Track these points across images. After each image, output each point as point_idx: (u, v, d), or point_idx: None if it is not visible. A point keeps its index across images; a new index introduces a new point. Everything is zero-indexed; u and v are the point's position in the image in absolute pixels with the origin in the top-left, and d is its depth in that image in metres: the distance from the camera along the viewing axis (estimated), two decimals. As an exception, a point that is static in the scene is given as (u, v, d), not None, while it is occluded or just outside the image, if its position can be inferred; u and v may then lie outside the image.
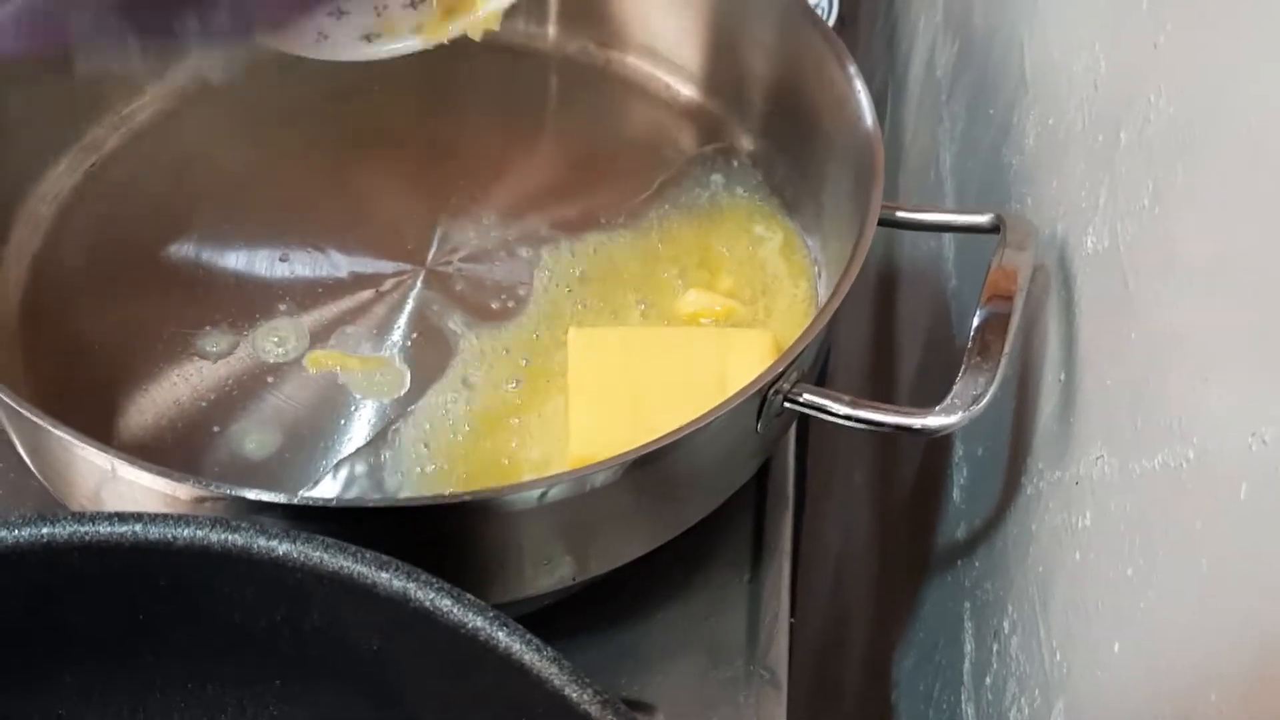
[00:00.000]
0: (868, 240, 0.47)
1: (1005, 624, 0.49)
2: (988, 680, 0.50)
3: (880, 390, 0.79)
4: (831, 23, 0.83)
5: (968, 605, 0.54)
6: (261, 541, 0.36)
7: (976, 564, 0.54)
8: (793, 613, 0.54)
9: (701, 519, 0.49)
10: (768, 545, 0.53)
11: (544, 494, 0.42)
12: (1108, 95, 0.46)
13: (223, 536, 0.36)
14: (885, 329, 0.80)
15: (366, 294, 0.55)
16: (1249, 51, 0.35)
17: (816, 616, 0.88)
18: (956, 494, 0.59)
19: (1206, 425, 0.34)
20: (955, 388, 0.44)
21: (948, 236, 0.66)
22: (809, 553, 0.90)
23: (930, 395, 0.45)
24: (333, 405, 0.51)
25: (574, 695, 0.33)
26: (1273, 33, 0.33)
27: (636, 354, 0.51)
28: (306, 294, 0.55)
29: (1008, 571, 0.50)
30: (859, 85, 0.52)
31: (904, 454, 0.71)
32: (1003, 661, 0.49)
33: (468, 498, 0.42)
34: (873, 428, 0.45)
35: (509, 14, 0.61)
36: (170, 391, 0.51)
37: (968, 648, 0.54)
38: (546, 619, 0.49)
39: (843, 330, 0.92)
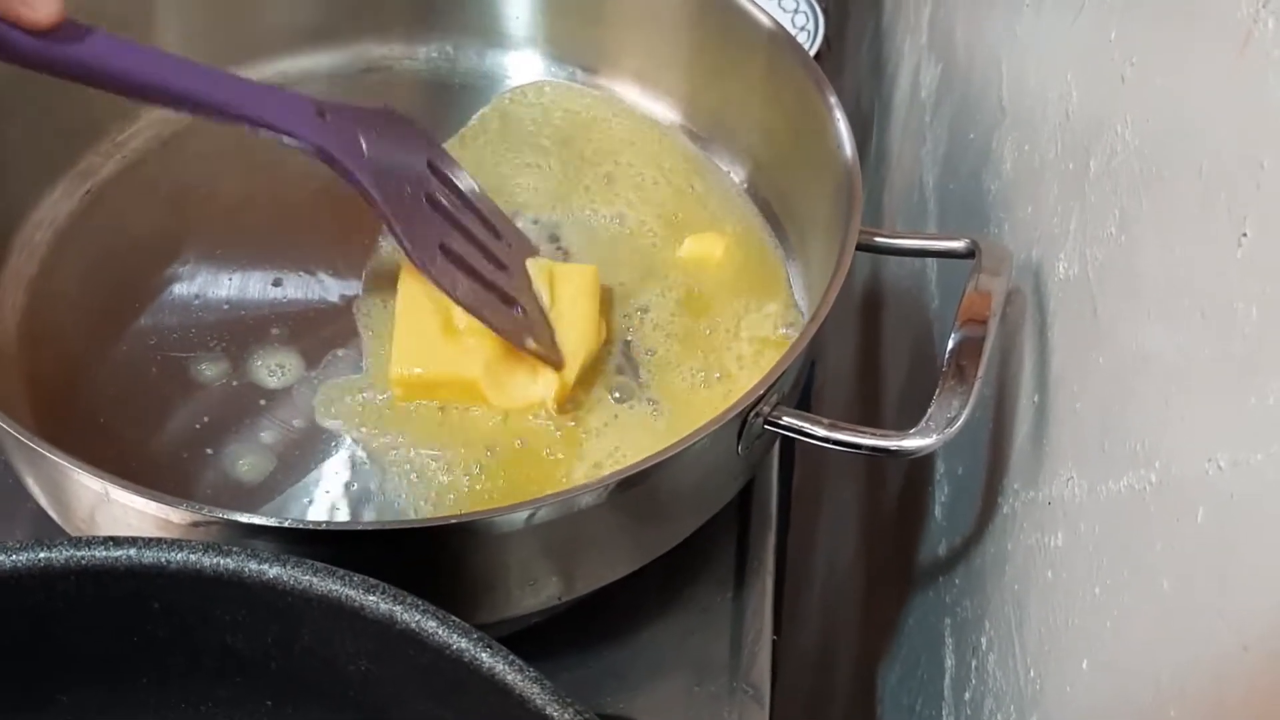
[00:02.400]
0: (845, 267, 0.48)
1: (983, 640, 0.50)
2: (967, 695, 0.51)
3: (866, 409, 0.80)
4: (817, 43, 0.84)
5: (948, 622, 0.55)
6: (252, 565, 0.36)
7: (956, 581, 0.55)
8: (778, 630, 0.55)
9: (685, 538, 0.50)
10: (751, 564, 0.54)
11: (531, 516, 0.43)
12: (1079, 124, 0.47)
13: (215, 561, 0.37)
14: (870, 349, 0.82)
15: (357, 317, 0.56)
16: (1201, 90, 0.36)
17: (806, 632, 0.89)
18: (938, 511, 0.60)
19: (1168, 449, 0.35)
20: (930, 410, 0.45)
21: (930, 259, 0.67)
22: (797, 569, 0.91)
23: (914, 412, 0.46)
24: (325, 429, 0.52)
25: (555, 715, 0.34)
26: (1221, 74, 0.34)
27: None
28: (299, 318, 0.56)
29: (985, 589, 0.51)
30: (839, 115, 0.53)
31: (889, 472, 0.72)
32: (981, 678, 0.50)
33: (455, 521, 0.43)
34: (851, 450, 0.46)
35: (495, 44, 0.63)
36: (165, 415, 0.52)
37: (948, 663, 0.55)
38: (533, 638, 0.50)
39: (829, 349, 0.93)
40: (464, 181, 0.53)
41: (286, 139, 0.48)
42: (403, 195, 0.50)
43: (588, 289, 0.54)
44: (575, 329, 0.53)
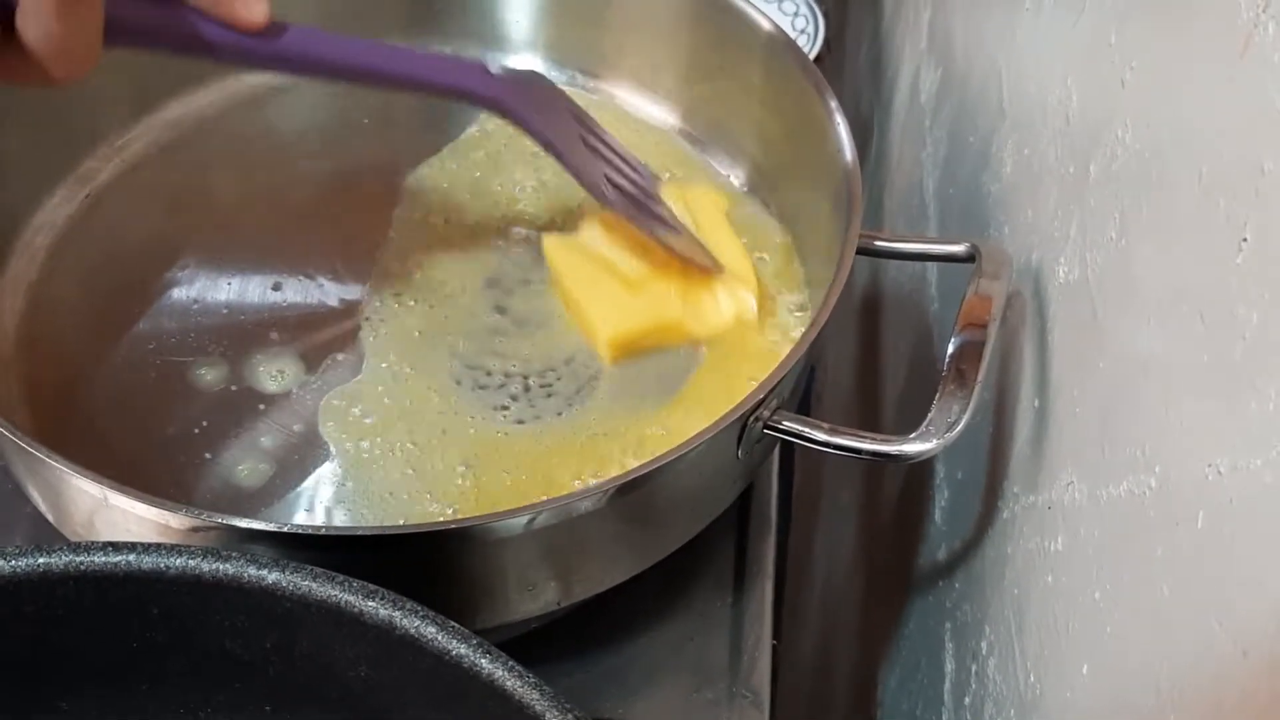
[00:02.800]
0: (845, 272, 0.48)
1: (983, 645, 0.50)
2: (967, 700, 0.51)
3: (866, 412, 0.80)
4: (818, 46, 0.84)
5: (948, 626, 0.55)
6: (251, 571, 0.36)
7: (957, 585, 0.55)
8: (777, 635, 0.55)
9: (685, 543, 0.50)
10: (750, 568, 0.54)
11: (530, 521, 0.43)
12: (1079, 128, 0.47)
13: (214, 566, 0.37)
14: (871, 352, 0.82)
15: (357, 322, 0.56)
16: (1201, 94, 0.36)
17: (806, 637, 0.88)
18: (938, 516, 0.60)
19: (1168, 454, 0.35)
20: (930, 415, 0.45)
21: (930, 263, 0.67)
22: (797, 574, 0.91)
23: (915, 418, 0.46)
24: (321, 433, 0.52)
25: (555, 720, 0.34)
26: (1221, 78, 0.34)
27: (604, 238, 0.56)
28: (298, 322, 0.56)
29: (985, 593, 0.51)
30: (839, 119, 0.53)
31: (889, 476, 0.72)
32: (981, 682, 0.50)
33: (454, 525, 0.43)
34: (851, 454, 0.46)
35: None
36: (164, 419, 0.52)
37: (948, 668, 0.55)
38: (532, 642, 0.50)
39: (830, 353, 0.93)
40: (600, 127, 0.57)
41: (467, 100, 0.52)
42: (571, 139, 0.54)
43: (718, 209, 0.58)
44: (723, 244, 0.56)
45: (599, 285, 0.55)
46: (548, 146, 0.53)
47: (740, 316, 0.55)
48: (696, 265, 0.54)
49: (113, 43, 0.42)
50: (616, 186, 0.54)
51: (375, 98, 0.65)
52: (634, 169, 0.56)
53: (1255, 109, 0.32)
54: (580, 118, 0.56)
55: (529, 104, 0.53)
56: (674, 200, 0.57)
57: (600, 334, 0.54)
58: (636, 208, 0.54)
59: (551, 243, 0.57)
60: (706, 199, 0.58)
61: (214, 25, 0.45)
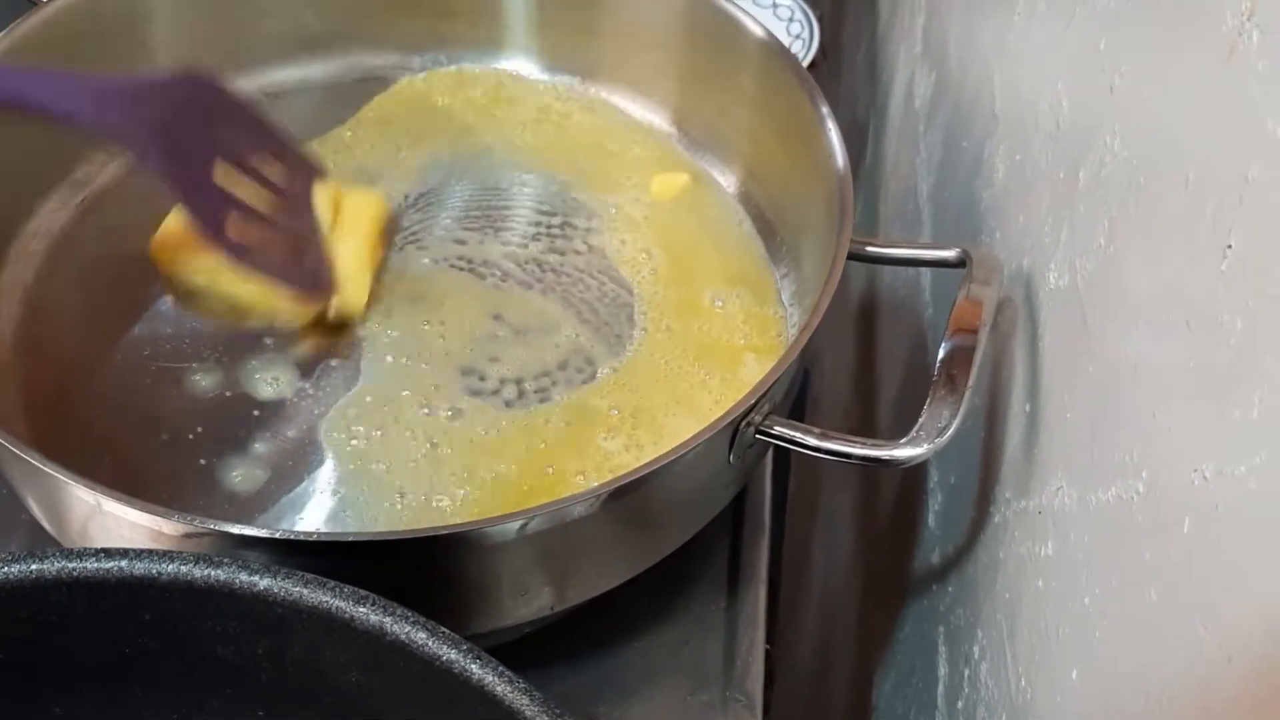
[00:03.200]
0: (836, 278, 0.48)
1: (975, 649, 0.50)
2: (960, 704, 0.51)
3: (863, 417, 0.80)
4: (813, 51, 0.84)
5: (942, 630, 0.55)
6: (243, 577, 0.37)
7: (950, 590, 0.55)
8: (772, 639, 0.55)
9: (678, 547, 0.50)
10: (744, 572, 0.54)
11: (523, 526, 0.43)
12: (1069, 135, 0.47)
13: (205, 572, 0.37)
14: (867, 355, 0.82)
15: (353, 328, 0.56)
16: (1188, 101, 0.36)
17: (802, 641, 0.89)
18: (931, 520, 0.60)
19: (1155, 460, 0.36)
20: (921, 420, 0.45)
21: (922, 267, 0.67)
22: (795, 578, 0.91)
23: (911, 422, 0.46)
24: (316, 439, 0.52)
25: (545, 725, 0.34)
26: (1207, 86, 0.34)
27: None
28: (293, 329, 0.56)
29: (978, 598, 0.51)
30: (831, 125, 0.53)
31: (883, 480, 0.72)
32: (973, 686, 0.50)
33: (447, 531, 0.43)
34: (842, 459, 0.46)
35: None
36: (158, 425, 0.52)
37: (942, 671, 0.55)
38: (526, 647, 0.50)
39: (825, 358, 0.94)
40: (249, 113, 0.54)
41: (71, 126, 0.47)
42: (192, 167, 0.50)
43: (371, 214, 0.57)
44: (350, 254, 0.56)
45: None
46: (164, 183, 0.49)
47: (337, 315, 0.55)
48: (303, 296, 0.54)
49: None
50: (240, 218, 0.51)
51: (368, 103, 0.65)
52: (280, 159, 0.54)
53: (1240, 116, 0.33)
54: (233, 123, 0.52)
55: (152, 132, 0.48)
56: (325, 200, 0.56)
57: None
58: (256, 236, 0.52)
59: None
60: (362, 204, 0.57)
61: None
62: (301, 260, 0.54)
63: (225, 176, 0.52)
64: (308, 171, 0.57)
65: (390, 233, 0.59)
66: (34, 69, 0.50)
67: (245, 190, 0.52)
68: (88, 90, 0.46)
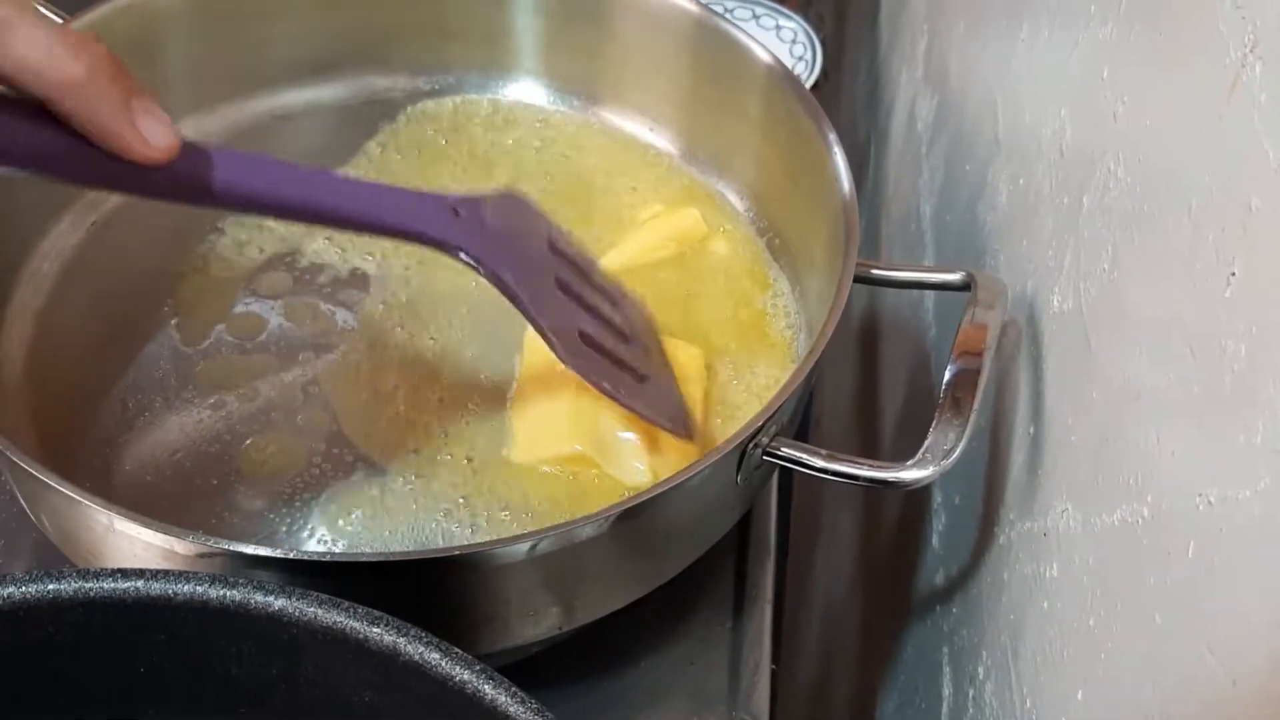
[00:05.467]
0: (843, 301, 0.48)
1: (980, 670, 0.50)
2: (964, 725, 0.52)
3: (864, 438, 0.81)
4: (815, 75, 0.85)
5: (946, 651, 0.56)
6: (258, 597, 0.37)
7: (954, 610, 0.56)
8: (777, 659, 0.55)
9: (685, 568, 0.50)
10: (750, 593, 0.55)
11: (532, 548, 0.43)
12: (1073, 160, 0.48)
13: (220, 592, 0.37)
14: (869, 377, 0.82)
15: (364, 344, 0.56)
16: (1190, 130, 0.37)
17: (804, 661, 0.89)
18: (935, 541, 0.60)
19: (1160, 484, 0.36)
20: (927, 442, 0.46)
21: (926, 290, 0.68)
22: (796, 598, 0.91)
23: (913, 442, 0.46)
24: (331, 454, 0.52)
25: (557, 746, 0.34)
26: (1209, 116, 0.35)
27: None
28: (587, 323, 0.55)
29: (982, 619, 0.51)
30: (837, 150, 0.54)
31: (886, 501, 0.73)
32: (978, 707, 0.50)
33: (457, 552, 0.43)
34: (848, 480, 0.46)
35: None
36: (170, 445, 0.53)
37: (946, 692, 0.55)
38: (534, 667, 0.50)
39: (827, 379, 0.94)
40: (581, 257, 0.52)
41: (426, 244, 0.46)
42: (541, 287, 0.48)
43: (694, 372, 0.54)
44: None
45: (542, 394, 0.52)
46: (514, 300, 0.47)
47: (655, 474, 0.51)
48: (660, 427, 0.50)
49: None
50: (590, 340, 0.49)
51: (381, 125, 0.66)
52: (613, 303, 0.51)
53: (1243, 147, 0.33)
54: (556, 246, 0.50)
55: (496, 248, 0.47)
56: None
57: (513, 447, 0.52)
58: (605, 366, 0.49)
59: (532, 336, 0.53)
60: (684, 354, 0.54)
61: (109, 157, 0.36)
62: (663, 398, 0.51)
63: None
64: (641, 311, 0.53)
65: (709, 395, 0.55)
66: (383, 187, 0.48)
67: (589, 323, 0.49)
68: (434, 211, 0.46)
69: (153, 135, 0.36)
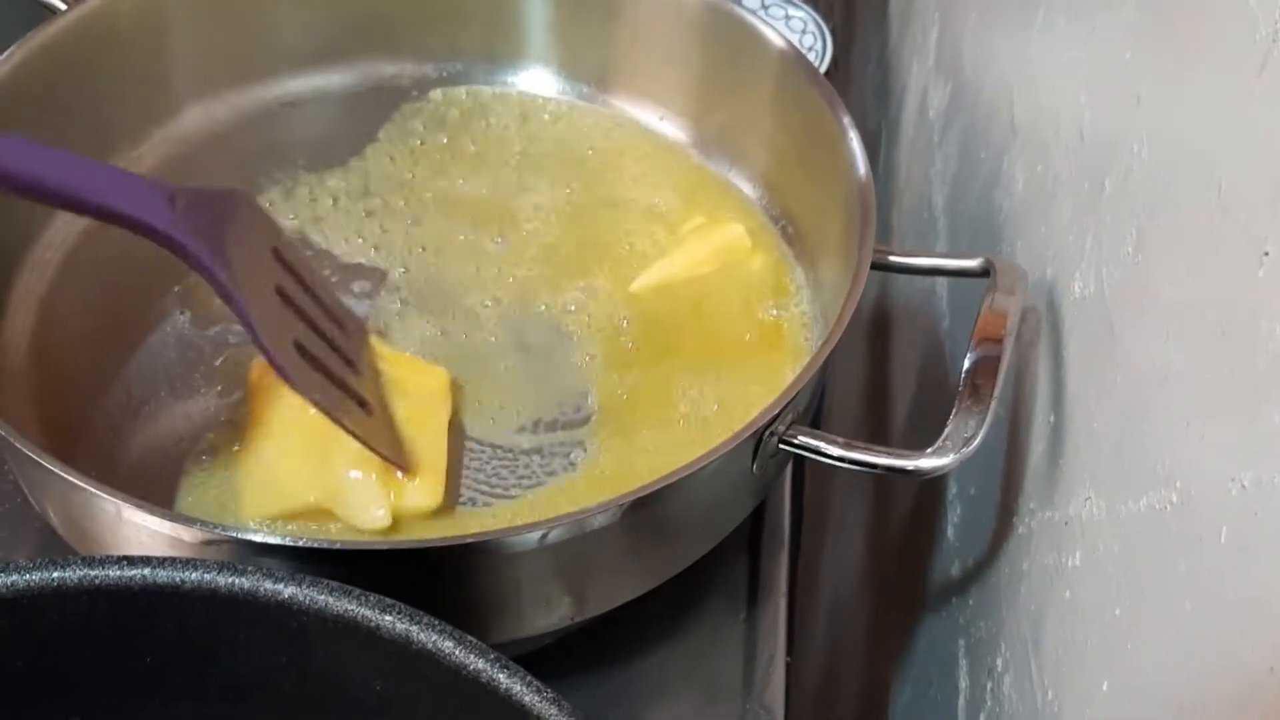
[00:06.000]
0: (860, 288, 0.48)
1: (999, 662, 0.50)
2: (982, 717, 0.51)
3: (875, 427, 0.80)
4: (825, 63, 0.84)
5: (962, 642, 0.55)
6: (268, 585, 0.36)
7: (970, 601, 0.55)
8: (790, 651, 0.55)
9: (698, 559, 0.49)
10: (764, 584, 0.54)
11: (544, 536, 0.43)
12: (1093, 144, 0.47)
13: (230, 580, 0.36)
14: (880, 366, 0.81)
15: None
16: (1218, 112, 0.36)
17: (813, 653, 0.88)
18: (950, 531, 0.59)
19: (1189, 469, 0.35)
20: (947, 430, 0.45)
21: (940, 277, 0.67)
22: (805, 589, 0.90)
23: (924, 432, 0.46)
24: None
25: (573, 736, 0.34)
26: (1238, 97, 0.34)
27: None
28: (304, 336, 0.55)
29: (1000, 609, 0.50)
30: (852, 135, 0.53)
31: (899, 491, 0.72)
32: (996, 699, 0.49)
33: (469, 540, 0.42)
34: (866, 469, 0.46)
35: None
36: (175, 432, 0.52)
37: (962, 685, 0.54)
38: (545, 658, 0.49)
39: (838, 367, 0.93)
40: (309, 271, 0.49)
41: (139, 231, 0.44)
42: (258, 291, 0.45)
43: (438, 395, 0.52)
44: (425, 434, 0.50)
45: (267, 442, 0.49)
46: (227, 299, 0.44)
47: (396, 514, 0.48)
48: (379, 455, 0.47)
49: None
50: (306, 353, 0.46)
51: (390, 112, 0.65)
52: (336, 323, 0.49)
53: (1274, 125, 0.32)
54: (284, 257, 0.48)
55: (211, 243, 0.44)
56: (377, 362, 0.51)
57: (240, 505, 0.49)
58: (324, 384, 0.47)
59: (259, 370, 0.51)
60: (429, 375, 0.52)
61: None
62: (386, 429, 0.49)
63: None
64: (360, 332, 0.52)
65: (458, 418, 0.52)
66: (102, 165, 0.46)
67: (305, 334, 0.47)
68: (150, 197, 0.44)
69: None
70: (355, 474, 0.48)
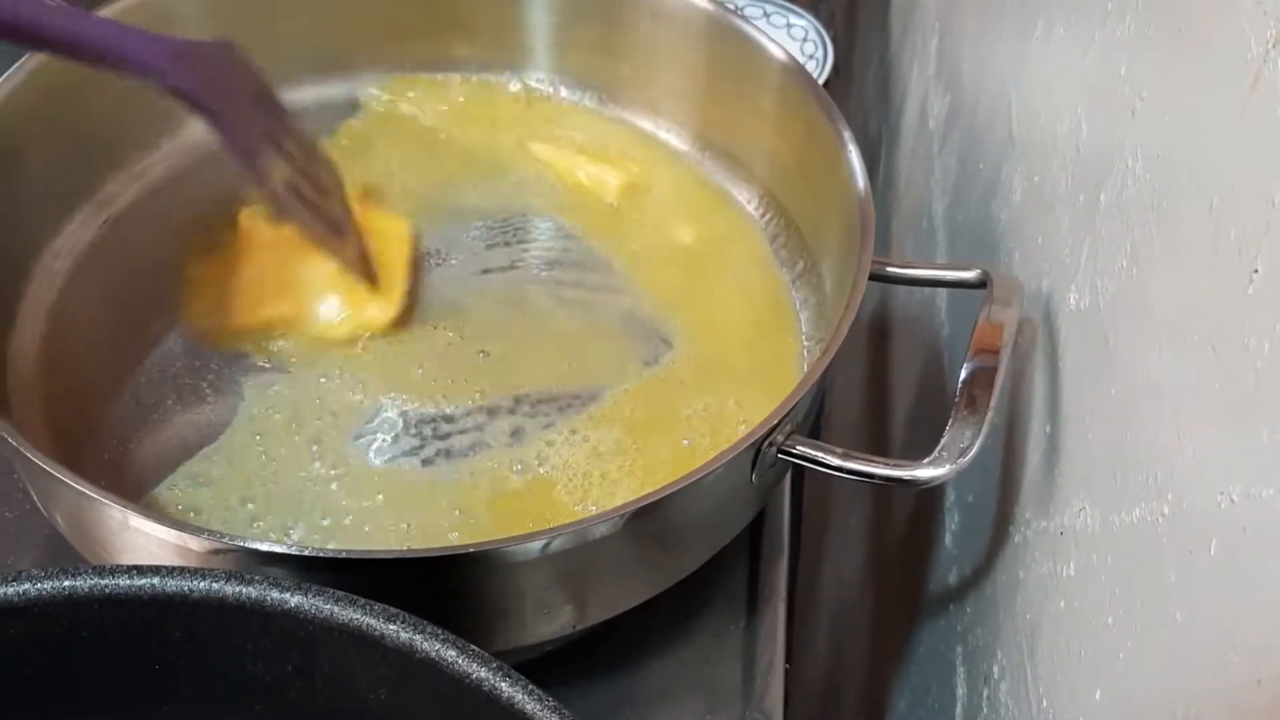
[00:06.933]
0: (858, 297, 0.48)
1: (995, 669, 0.50)
2: (979, 724, 0.51)
3: (874, 436, 0.80)
4: (826, 71, 0.85)
5: (959, 650, 0.56)
6: (274, 594, 0.37)
7: (968, 609, 0.55)
8: (789, 658, 0.55)
9: (698, 566, 0.50)
10: (763, 592, 0.55)
11: (545, 545, 0.43)
12: (1089, 157, 0.47)
13: (237, 589, 0.37)
14: (879, 375, 0.82)
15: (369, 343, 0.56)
16: (1212, 126, 0.36)
17: (813, 660, 0.89)
18: (948, 540, 0.60)
19: (1180, 481, 0.36)
20: (943, 440, 0.45)
21: (940, 288, 0.67)
22: (805, 596, 0.91)
23: (923, 441, 0.46)
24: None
25: (574, 744, 0.34)
26: (1231, 112, 0.35)
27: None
28: (290, 175, 0.55)
29: (997, 617, 0.51)
30: (851, 147, 0.54)
31: (897, 499, 0.72)
32: (993, 706, 0.50)
33: (471, 549, 0.43)
34: (864, 479, 0.46)
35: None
36: (183, 441, 0.53)
37: (960, 692, 0.55)
38: (547, 665, 0.50)
39: (837, 376, 0.94)
40: (284, 112, 0.55)
41: (140, 77, 0.48)
42: (251, 136, 0.52)
43: (398, 236, 0.59)
44: (386, 263, 0.57)
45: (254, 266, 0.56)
46: (227, 142, 0.51)
47: (364, 325, 0.56)
48: (354, 272, 0.55)
49: None
50: (293, 189, 0.53)
51: (399, 122, 0.65)
52: (313, 160, 0.55)
53: (1265, 143, 0.33)
54: (265, 101, 0.53)
55: (211, 89, 0.49)
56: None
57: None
58: (310, 216, 0.54)
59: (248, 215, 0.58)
60: (390, 223, 0.59)
61: None
62: (344, 240, 0.55)
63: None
64: (332, 170, 0.57)
65: (418, 262, 0.59)
66: (108, 20, 0.50)
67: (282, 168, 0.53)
68: (156, 45, 0.48)
69: None
70: (324, 292, 0.55)
